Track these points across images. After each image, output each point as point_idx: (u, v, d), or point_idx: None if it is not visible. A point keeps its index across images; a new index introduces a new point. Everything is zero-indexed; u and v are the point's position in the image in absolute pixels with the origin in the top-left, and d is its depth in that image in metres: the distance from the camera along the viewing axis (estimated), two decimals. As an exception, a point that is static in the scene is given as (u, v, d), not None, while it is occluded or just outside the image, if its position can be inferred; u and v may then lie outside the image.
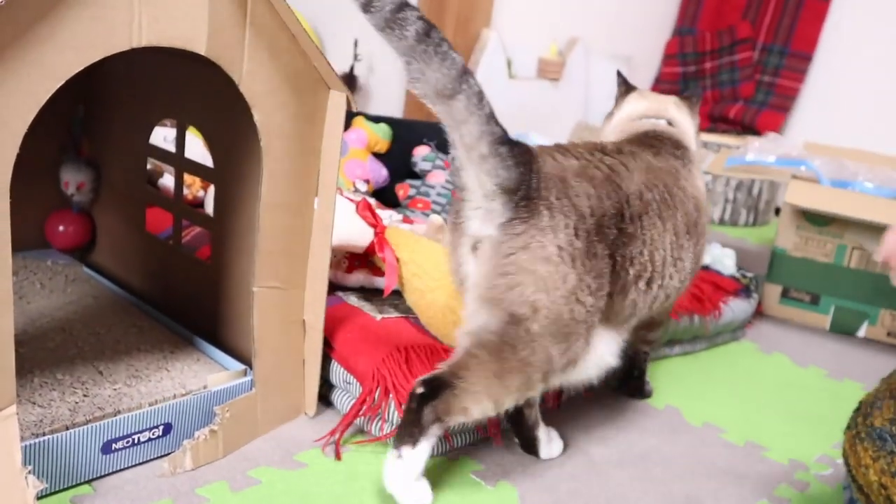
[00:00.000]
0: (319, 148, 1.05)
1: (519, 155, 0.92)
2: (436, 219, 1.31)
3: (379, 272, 1.27)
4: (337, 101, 1.03)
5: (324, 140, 1.05)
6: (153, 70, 1.19)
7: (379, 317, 1.21)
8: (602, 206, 0.97)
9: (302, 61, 0.99)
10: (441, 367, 0.96)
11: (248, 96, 0.95)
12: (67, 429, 0.93)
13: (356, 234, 1.20)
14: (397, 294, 1.23)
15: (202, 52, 0.88)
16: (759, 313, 1.78)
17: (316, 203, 1.07)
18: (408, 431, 0.93)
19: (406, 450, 0.93)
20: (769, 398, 1.42)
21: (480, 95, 0.90)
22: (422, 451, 0.93)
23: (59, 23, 0.77)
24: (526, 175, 0.93)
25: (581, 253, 0.94)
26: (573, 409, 1.27)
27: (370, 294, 1.29)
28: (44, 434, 0.91)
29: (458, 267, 1.00)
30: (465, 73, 0.89)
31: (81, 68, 0.79)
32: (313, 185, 1.06)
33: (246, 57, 0.93)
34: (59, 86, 0.78)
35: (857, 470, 0.91)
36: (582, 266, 0.94)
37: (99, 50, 0.80)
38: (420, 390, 0.93)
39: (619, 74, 1.37)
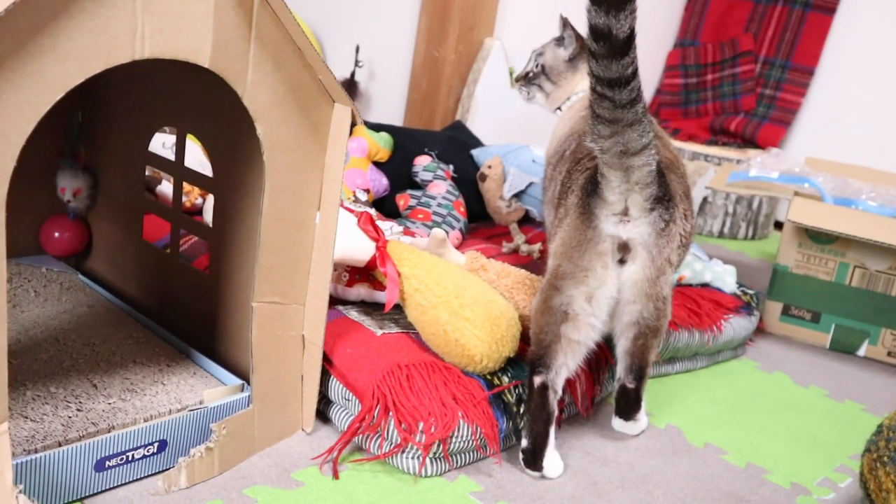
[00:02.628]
0: (323, 162, 1.03)
1: (660, 174, 1.08)
2: (438, 233, 1.30)
3: (380, 286, 1.25)
4: (341, 114, 1.02)
5: (327, 154, 1.03)
6: (154, 77, 1.18)
7: (379, 332, 1.19)
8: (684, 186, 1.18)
9: (306, 74, 0.97)
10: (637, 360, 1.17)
11: (252, 109, 0.93)
12: (60, 445, 0.91)
13: (357, 248, 1.18)
14: (398, 309, 1.21)
15: (206, 65, 0.86)
16: (760, 330, 1.77)
17: (318, 217, 1.05)
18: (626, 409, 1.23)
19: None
20: (770, 418, 1.41)
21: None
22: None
23: (60, 34, 0.75)
24: (664, 184, 1.08)
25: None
26: (573, 428, 1.26)
27: (371, 308, 1.27)
28: (36, 451, 0.89)
29: (590, 273, 1.09)
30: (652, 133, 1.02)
31: (82, 80, 0.77)
32: (316, 200, 1.04)
33: (250, 69, 0.91)
34: (59, 98, 0.76)
35: (876, 495, 0.89)
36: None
37: (101, 62, 0.78)
38: (632, 386, 1.18)
39: (568, 24, 1.46)
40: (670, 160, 1.18)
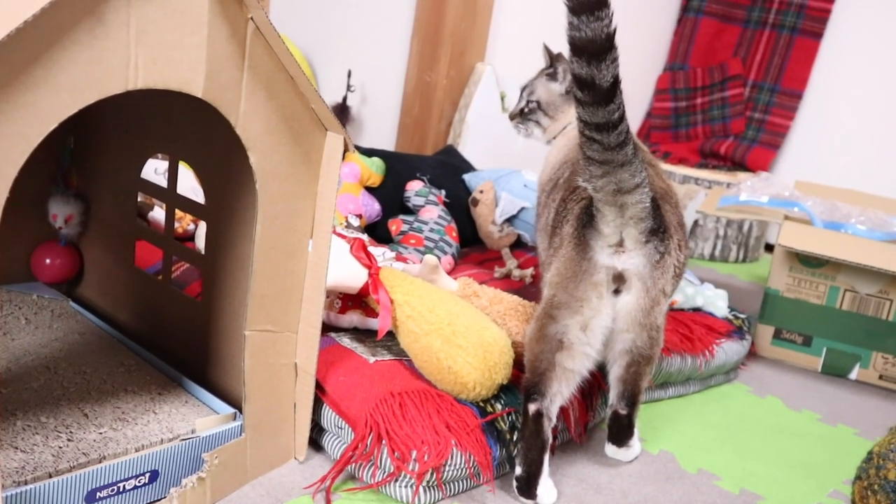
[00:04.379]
0: (315, 190, 1.03)
1: (654, 206, 1.08)
2: (430, 259, 1.30)
3: (373, 313, 1.25)
4: (334, 142, 1.02)
5: (320, 182, 1.03)
6: (146, 104, 1.18)
7: (372, 359, 1.19)
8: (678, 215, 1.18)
9: (299, 103, 0.98)
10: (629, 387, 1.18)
11: (245, 138, 0.93)
12: (51, 476, 0.90)
13: (350, 275, 1.18)
14: (391, 336, 1.21)
15: (199, 95, 0.86)
16: (752, 354, 1.77)
17: (310, 245, 1.05)
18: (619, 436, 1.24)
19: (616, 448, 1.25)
20: (763, 443, 1.41)
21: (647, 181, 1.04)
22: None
23: (54, 65, 0.75)
24: (659, 216, 1.08)
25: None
26: (566, 455, 1.25)
27: (363, 335, 1.26)
28: (26, 482, 0.88)
29: (585, 303, 1.09)
30: (644, 171, 1.02)
31: (75, 111, 0.77)
32: (308, 228, 1.04)
33: (243, 99, 0.91)
34: (52, 129, 0.76)
35: (867, 524, 0.89)
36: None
37: (94, 92, 0.78)
38: (624, 412, 1.19)
39: (559, 57, 1.46)
40: (664, 190, 1.18)
